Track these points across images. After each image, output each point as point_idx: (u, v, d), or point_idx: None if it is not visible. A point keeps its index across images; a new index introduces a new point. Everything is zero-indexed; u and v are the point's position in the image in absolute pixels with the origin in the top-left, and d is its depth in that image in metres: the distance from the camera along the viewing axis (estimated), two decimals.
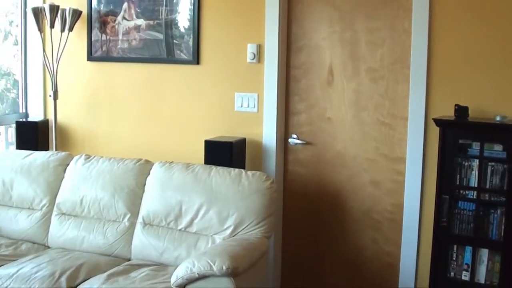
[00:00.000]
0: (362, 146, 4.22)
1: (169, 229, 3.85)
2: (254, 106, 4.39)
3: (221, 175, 3.84)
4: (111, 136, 4.89)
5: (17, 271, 3.51)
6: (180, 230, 3.82)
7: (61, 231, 4.08)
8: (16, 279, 3.44)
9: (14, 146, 5.07)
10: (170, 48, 4.67)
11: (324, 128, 4.32)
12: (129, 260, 3.87)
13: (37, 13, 4.83)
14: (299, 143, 4.39)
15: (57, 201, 4.17)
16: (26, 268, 3.54)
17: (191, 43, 4.56)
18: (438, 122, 3.64)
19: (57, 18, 4.78)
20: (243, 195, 3.74)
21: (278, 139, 4.37)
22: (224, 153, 4.14)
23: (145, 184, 4.00)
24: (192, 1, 4.52)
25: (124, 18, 4.76)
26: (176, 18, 4.61)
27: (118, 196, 3.98)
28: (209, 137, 4.32)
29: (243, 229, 3.69)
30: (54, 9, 4.75)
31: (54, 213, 4.15)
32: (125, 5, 4.76)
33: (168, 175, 3.93)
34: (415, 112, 3.95)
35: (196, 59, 4.54)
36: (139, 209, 3.96)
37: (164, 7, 4.64)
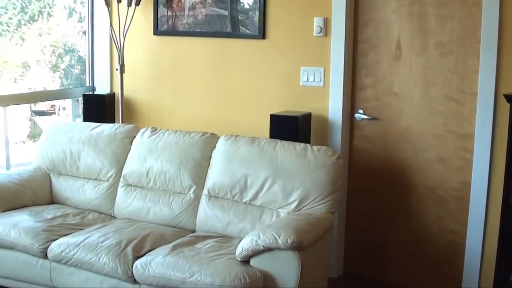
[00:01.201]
0: (429, 122, 4.13)
1: (234, 202, 3.85)
2: (320, 81, 4.34)
3: (287, 149, 3.82)
4: (176, 109, 4.92)
5: (84, 239, 3.57)
6: (245, 203, 3.82)
7: (127, 202, 4.13)
8: (83, 248, 3.50)
9: (81, 119, 5.15)
10: (235, 23, 4.65)
11: (391, 103, 4.24)
12: (193, 231, 3.89)
13: None
14: (365, 119, 4.32)
15: (123, 172, 4.22)
16: (93, 237, 3.60)
17: (256, 18, 4.54)
18: (509, 98, 3.52)
19: None
20: (308, 170, 3.71)
21: (344, 114, 4.31)
22: (289, 128, 4.12)
23: (210, 157, 4.01)
24: None
25: None
26: None
27: (184, 168, 4.00)
28: (275, 111, 4.30)
29: (308, 204, 3.67)
30: None
31: (120, 184, 4.21)
32: None
33: (233, 149, 3.92)
34: (485, 87, 3.83)
35: (262, 33, 4.51)
36: (204, 182, 3.97)
37: None
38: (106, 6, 4.91)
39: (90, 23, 5.30)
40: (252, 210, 3.78)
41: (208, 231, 3.85)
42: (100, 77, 5.26)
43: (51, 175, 4.45)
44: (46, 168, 4.48)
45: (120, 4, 4.84)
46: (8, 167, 4.87)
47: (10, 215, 3.93)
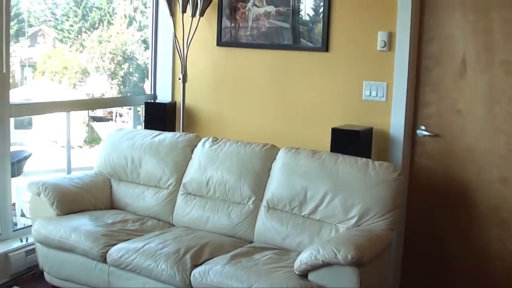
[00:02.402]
0: (492, 140, 4.05)
1: (293, 215, 3.84)
2: (383, 95, 4.31)
3: (348, 164, 3.79)
4: (236, 120, 4.94)
5: (144, 246, 3.62)
6: (303, 216, 3.81)
7: (186, 210, 4.17)
8: (143, 254, 3.54)
9: (142, 126, 5.21)
10: (296, 35, 4.66)
11: (454, 120, 4.18)
12: (251, 242, 3.89)
13: None
14: (427, 135, 4.26)
15: (183, 180, 4.26)
16: (152, 244, 3.64)
17: (317, 30, 4.53)
18: None
19: (188, 3, 4.86)
20: (369, 185, 3.67)
21: (406, 130, 4.26)
22: (350, 142, 4.09)
23: (270, 169, 4.02)
24: None
25: (254, 4, 4.79)
26: (304, 5, 4.60)
27: (244, 179, 4.01)
28: (336, 125, 4.28)
29: (368, 219, 3.63)
30: None
31: (180, 192, 4.25)
32: None
33: (294, 161, 3.92)
34: None
35: (325, 46, 4.50)
36: (263, 193, 3.98)
37: None
38: (170, 16, 4.97)
39: (153, 33, 5.37)
40: (311, 224, 3.77)
41: (265, 243, 3.84)
42: (162, 86, 5.33)
43: (112, 180, 4.53)
44: (107, 174, 4.55)
45: (184, 14, 4.89)
46: (69, 171, 4.96)
47: (71, 218, 4.00)
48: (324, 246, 3.18)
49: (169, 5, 4.93)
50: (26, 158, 5.16)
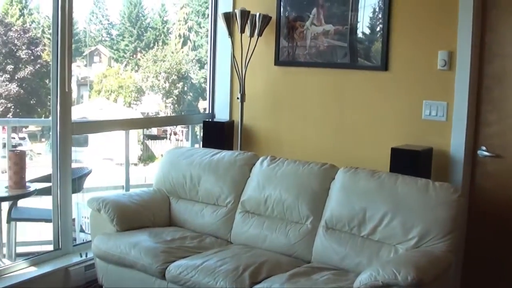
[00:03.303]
0: None
1: (352, 235, 3.80)
2: (443, 115, 4.26)
3: (407, 184, 3.75)
4: (294, 139, 4.95)
5: (202, 263, 3.63)
6: (362, 236, 3.77)
7: (244, 228, 4.17)
8: (201, 271, 3.56)
9: (199, 144, 5.26)
10: (354, 54, 4.65)
11: None
12: (309, 262, 3.87)
13: (228, 18, 5.00)
14: (488, 156, 4.19)
15: (241, 198, 4.27)
16: (210, 261, 3.65)
17: (375, 49, 4.52)
18: None
19: (247, 24, 4.91)
20: (429, 206, 3.62)
21: (466, 150, 4.20)
22: (410, 162, 4.06)
23: (329, 188, 3.99)
24: (381, 6, 4.48)
25: (312, 23, 4.81)
26: (362, 24, 4.59)
27: (302, 198, 4.00)
28: (394, 144, 4.25)
29: (427, 241, 3.56)
30: (245, 14, 4.89)
31: (238, 210, 4.26)
32: (314, 10, 4.80)
33: (353, 181, 3.89)
34: None
35: (384, 65, 4.48)
36: (322, 213, 3.95)
37: (351, 12, 4.64)
38: (229, 36, 5.02)
39: (211, 53, 5.44)
40: (370, 245, 3.72)
41: (323, 263, 3.81)
42: (220, 105, 5.38)
43: (171, 198, 4.57)
44: (165, 191, 4.60)
45: (243, 34, 4.93)
46: (127, 188, 5.04)
47: (130, 234, 4.06)
48: (384, 267, 3.15)
49: (227, 26, 4.98)
50: (86, 174, 5.24)
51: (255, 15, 4.90)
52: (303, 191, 4.02)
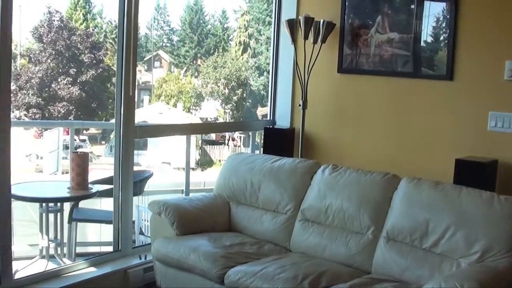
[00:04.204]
0: None
1: (413, 247, 3.72)
2: (509, 127, 4.15)
3: (472, 197, 3.64)
4: (355, 147, 4.91)
5: (261, 269, 3.61)
6: (424, 249, 3.68)
7: (303, 237, 4.13)
8: (260, 277, 3.53)
9: (259, 151, 5.26)
10: (417, 62, 4.59)
11: None
12: (369, 273, 3.80)
13: (292, 25, 4.99)
14: None
15: (302, 207, 4.23)
16: (270, 268, 3.62)
17: (438, 58, 4.46)
18: None
19: (311, 30, 4.89)
20: (494, 220, 3.51)
21: None
22: (474, 174, 3.96)
23: (391, 199, 3.92)
24: (445, 16, 4.40)
25: (377, 31, 4.76)
26: (426, 32, 4.53)
27: (364, 208, 3.94)
28: (458, 155, 4.16)
29: (491, 256, 3.45)
30: (309, 21, 4.87)
31: (298, 218, 4.22)
32: (379, 18, 4.76)
33: (416, 192, 3.81)
34: None
35: (449, 74, 4.40)
36: (383, 223, 3.88)
37: (415, 21, 4.58)
38: (292, 43, 5.01)
39: (274, 59, 5.43)
40: (432, 257, 3.63)
41: (384, 274, 3.74)
42: (281, 112, 5.37)
43: (231, 203, 4.57)
44: (226, 196, 4.60)
45: (306, 41, 4.91)
46: (187, 192, 5.07)
47: (190, 238, 4.06)
48: (446, 280, 3.07)
49: (291, 32, 4.97)
50: (147, 178, 5.31)
51: (319, 22, 4.88)
52: (365, 201, 3.96)
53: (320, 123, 5.10)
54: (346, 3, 4.93)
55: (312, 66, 4.92)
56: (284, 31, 5.13)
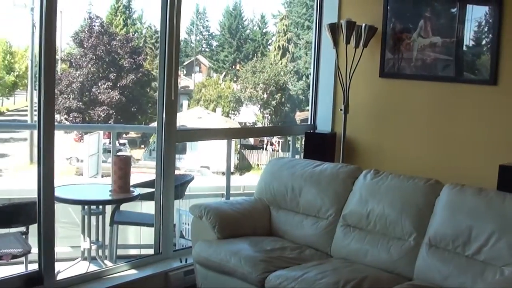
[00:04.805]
0: None
1: (456, 254, 3.67)
2: None
3: None
4: (397, 152, 4.88)
5: (302, 274, 3.59)
6: (466, 256, 3.63)
7: (345, 242, 4.10)
8: (301, 282, 3.52)
9: (299, 155, 5.25)
10: (460, 67, 4.55)
11: None
12: (410, 279, 3.75)
13: (334, 29, 4.98)
14: None
15: (343, 212, 4.21)
16: (311, 273, 3.61)
17: (480, 62, 4.42)
18: None
19: (352, 35, 4.87)
20: None
21: None
22: None
23: (434, 205, 3.87)
24: (488, 20, 4.36)
25: (420, 35, 4.72)
26: (468, 36, 4.48)
27: (406, 214, 3.90)
28: (503, 161, 4.09)
29: None
30: (351, 25, 4.85)
31: (340, 223, 4.20)
32: (421, 22, 4.72)
33: (459, 198, 3.76)
34: None
35: (493, 79, 4.34)
36: (426, 230, 3.83)
37: (457, 25, 4.53)
38: (334, 47, 4.99)
39: (315, 63, 5.43)
40: (474, 265, 3.57)
41: (425, 281, 3.69)
42: (322, 116, 5.36)
43: (271, 207, 4.56)
44: (266, 201, 4.60)
45: (348, 45, 4.89)
46: (228, 196, 5.08)
47: (231, 242, 4.08)
48: None
49: (333, 37, 4.96)
50: (189, 181, 5.33)
51: (361, 26, 4.86)
52: (407, 207, 3.92)
53: (362, 127, 5.08)
54: (388, 7, 4.90)
55: (354, 71, 4.90)
56: (325, 35, 5.12)
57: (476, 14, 4.47)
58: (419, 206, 3.89)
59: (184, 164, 20.47)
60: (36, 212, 3.80)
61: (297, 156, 5.59)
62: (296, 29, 28.27)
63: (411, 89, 4.82)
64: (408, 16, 4.83)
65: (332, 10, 5.22)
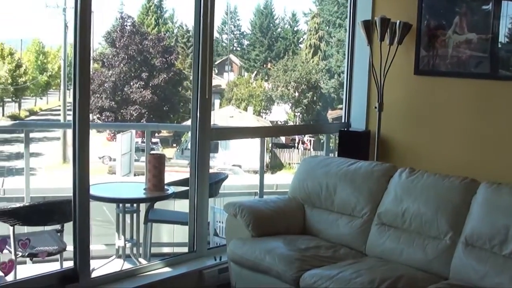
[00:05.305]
0: None
1: (492, 253, 3.62)
2: None
3: None
4: (433, 150, 4.83)
5: (337, 273, 3.58)
6: (504, 255, 3.57)
7: (380, 241, 4.08)
8: (337, 281, 3.51)
9: (333, 154, 5.23)
10: (495, 64, 4.49)
11: None
12: (446, 279, 3.72)
13: (368, 26, 4.95)
14: None
15: (378, 210, 4.18)
16: (346, 272, 3.60)
17: None
18: None
19: (387, 32, 4.84)
20: None
21: None
22: None
23: (470, 204, 3.83)
24: None
25: (455, 32, 4.67)
26: (503, 33, 4.42)
27: (441, 213, 3.86)
28: None
29: None
30: (385, 22, 4.82)
31: (374, 222, 4.17)
32: (457, 18, 4.67)
33: (496, 197, 3.70)
34: None
35: None
36: (462, 229, 3.78)
37: (493, 21, 4.47)
38: (368, 45, 4.96)
39: (348, 61, 5.40)
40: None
41: (461, 280, 3.65)
42: (356, 114, 5.33)
43: (305, 206, 4.56)
44: (301, 199, 4.59)
45: (382, 42, 4.86)
46: (261, 195, 5.08)
47: (265, 240, 4.09)
48: None
49: (367, 34, 4.93)
50: (223, 180, 5.34)
51: (395, 23, 4.82)
52: (442, 206, 3.88)
53: (396, 125, 5.04)
54: (423, 3, 4.85)
55: (388, 68, 4.86)
56: (359, 32, 5.09)
57: (511, 11, 4.40)
58: (455, 205, 3.85)
59: (216, 162, 20.52)
60: (71, 210, 3.84)
61: (330, 155, 5.56)
62: (327, 27, 28.19)
63: (446, 86, 4.77)
64: (442, 13, 4.78)
65: (366, 7, 5.18)
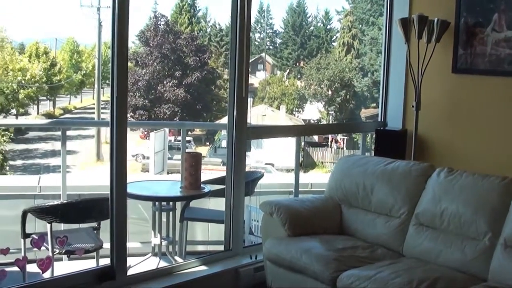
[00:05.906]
0: None
1: None
2: None
3: None
4: (471, 150, 4.77)
5: (375, 274, 3.56)
6: None
7: (417, 241, 4.03)
8: (375, 282, 3.49)
9: (369, 153, 5.20)
10: None
11: None
12: (485, 280, 3.66)
13: (405, 24, 4.90)
14: None
15: (416, 210, 4.13)
16: (383, 273, 3.57)
17: None
18: None
19: (424, 30, 4.78)
20: None
21: None
22: None
23: (510, 204, 3.76)
24: None
25: (493, 29, 4.61)
26: None
27: (480, 213, 3.80)
28: None
29: None
30: (423, 20, 4.77)
31: (412, 222, 4.12)
32: (495, 16, 4.60)
33: None
34: None
35: None
36: (501, 230, 3.72)
37: None
38: (405, 43, 4.92)
39: (385, 59, 5.36)
40: None
41: (501, 282, 3.58)
42: (392, 113, 5.28)
43: (342, 206, 4.53)
44: (337, 199, 4.57)
45: (420, 40, 4.81)
46: (296, 194, 5.07)
47: (301, 240, 4.08)
48: None
49: (404, 32, 4.88)
50: (258, 178, 5.34)
51: (433, 21, 4.77)
52: (481, 206, 3.82)
53: (434, 124, 4.98)
54: (461, 1, 4.79)
55: (426, 66, 4.81)
56: (395, 30, 5.05)
57: None
58: (494, 206, 3.79)
59: (249, 161, 20.61)
60: (108, 208, 3.87)
61: (366, 154, 5.53)
62: (360, 25, 28.04)
63: (484, 84, 4.71)
64: (480, 10, 4.71)
65: (403, 4, 5.13)
